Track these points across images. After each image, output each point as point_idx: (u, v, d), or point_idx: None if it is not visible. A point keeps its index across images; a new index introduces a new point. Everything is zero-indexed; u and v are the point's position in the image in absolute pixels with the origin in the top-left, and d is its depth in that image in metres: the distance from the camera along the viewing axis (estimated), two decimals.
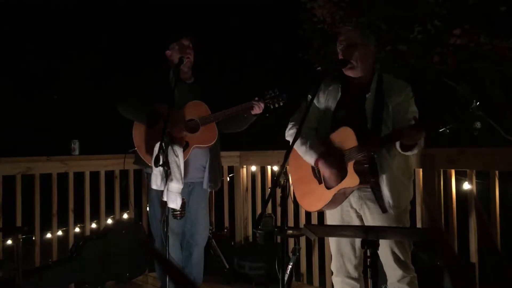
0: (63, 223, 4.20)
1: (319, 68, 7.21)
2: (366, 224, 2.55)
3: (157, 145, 2.95)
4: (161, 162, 2.90)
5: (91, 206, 4.27)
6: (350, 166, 2.41)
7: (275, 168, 4.17)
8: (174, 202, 3.04)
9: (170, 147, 3.01)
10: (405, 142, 2.28)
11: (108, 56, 12.37)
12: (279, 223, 4.01)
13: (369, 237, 1.97)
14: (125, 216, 4.58)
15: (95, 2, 12.07)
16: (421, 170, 3.20)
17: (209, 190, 3.48)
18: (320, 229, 2.49)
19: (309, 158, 2.58)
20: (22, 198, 3.92)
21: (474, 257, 2.93)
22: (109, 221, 4.44)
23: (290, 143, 2.32)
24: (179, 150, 3.11)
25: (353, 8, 6.59)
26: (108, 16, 11.93)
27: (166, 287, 3.19)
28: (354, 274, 2.64)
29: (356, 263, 2.64)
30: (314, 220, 3.84)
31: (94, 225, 4.43)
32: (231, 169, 4.66)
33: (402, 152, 2.38)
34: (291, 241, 3.90)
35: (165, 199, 3.03)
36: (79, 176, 4.23)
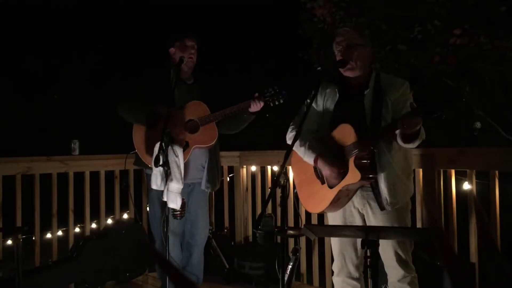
0: (63, 223, 4.20)
1: (319, 68, 7.22)
2: (368, 223, 2.55)
3: (157, 145, 2.96)
4: (161, 162, 2.90)
5: (91, 206, 4.27)
6: (351, 162, 2.41)
7: (275, 168, 4.17)
8: (174, 202, 3.04)
9: (170, 147, 3.01)
10: (405, 130, 2.26)
11: (108, 56, 12.37)
12: (279, 223, 4.01)
13: (369, 237, 1.97)
14: (125, 216, 4.58)
15: (95, 2, 12.07)
16: (421, 170, 3.20)
17: (207, 191, 3.48)
18: (320, 229, 2.49)
19: (309, 158, 2.59)
20: (22, 198, 3.92)
21: (474, 257, 2.93)
22: (109, 221, 4.45)
23: (290, 144, 2.32)
24: (179, 150, 3.11)
25: (353, 8, 6.59)
26: (108, 16, 11.94)
27: (166, 287, 3.19)
28: (355, 274, 2.65)
29: (358, 263, 2.64)
30: (314, 220, 3.84)
31: (94, 225, 4.43)
32: (231, 169, 4.66)
33: (404, 145, 2.37)
34: (291, 241, 3.90)
35: (165, 199, 3.03)
36: (79, 176, 4.23)
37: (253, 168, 4.49)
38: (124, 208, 4.56)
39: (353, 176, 2.39)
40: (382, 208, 2.47)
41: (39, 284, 3.66)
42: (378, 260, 2.30)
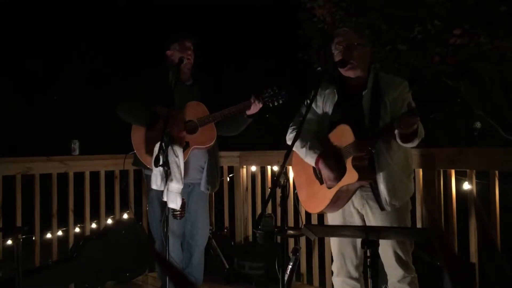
0: (63, 223, 4.19)
1: (319, 68, 7.22)
2: (367, 223, 2.55)
3: (157, 145, 2.95)
4: (161, 162, 2.90)
5: (91, 206, 4.27)
6: (349, 163, 2.41)
7: (275, 168, 4.17)
8: (174, 202, 3.04)
9: (170, 147, 3.01)
10: (403, 130, 2.25)
11: (108, 56, 12.38)
12: (279, 223, 4.01)
13: (369, 237, 1.97)
14: (125, 216, 4.58)
15: (95, 2, 12.08)
16: (421, 170, 3.20)
17: (206, 192, 3.47)
18: (320, 229, 2.49)
19: (310, 159, 2.59)
20: (22, 198, 3.92)
21: (474, 257, 2.93)
22: (109, 221, 4.44)
23: (290, 145, 2.33)
24: (179, 150, 3.11)
25: (353, 8, 6.60)
26: (108, 16, 11.94)
27: (166, 287, 3.19)
28: (355, 274, 2.65)
29: (357, 264, 2.64)
30: (314, 220, 3.84)
31: (94, 225, 4.43)
32: (231, 169, 4.66)
33: (404, 144, 2.37)
34: (291, 241, 3.90)
35: (165, 199, 3.03)
36: (79, 176, 4.23)
37: (253, 168, 4.49)
38: (124, 208, 4.55)
39: (350, 176, 2.40)
40: (382, 208, 2.47)
41: (39, 284, 3.66)
42: (378, 260, 2.30)
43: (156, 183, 3.05)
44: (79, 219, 4.30)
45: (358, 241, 2.54)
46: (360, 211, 2.58)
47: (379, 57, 6.44)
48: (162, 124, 3.01)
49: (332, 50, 2.63)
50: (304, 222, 3.84)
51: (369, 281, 2.03)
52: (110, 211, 4.41)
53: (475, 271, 2.90)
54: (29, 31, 11.92)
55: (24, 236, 3.98)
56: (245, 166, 4.56)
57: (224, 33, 11.95)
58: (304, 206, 2.77)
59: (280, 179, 2.34)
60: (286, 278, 2.92)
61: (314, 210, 2.73)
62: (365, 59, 2.59)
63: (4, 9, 10.87)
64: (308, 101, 2.60)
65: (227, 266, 4.12)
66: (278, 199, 3.69)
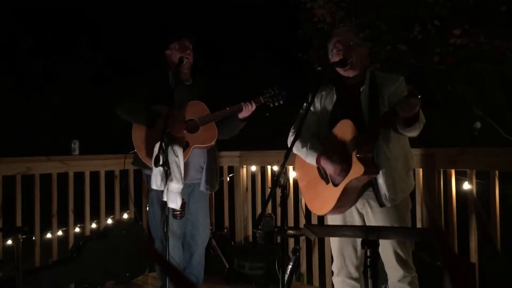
0: (63, 223, 4.20)
1: (319, 68, 7.22)
2: (367, 222, 2.55)
3: (157, 145, 2.95)
4: (161, 162, 2.90)
5: (91, 206, 4.27)
6: (354, 156, 2.40)
7: (275, 168, 4.17)
8: (174, 202, 3.04)
9: (170, 147, 3.01)
10: (405, 113, 2.23)
11: (108, 56, 12.37)
12: (279, 223, 4.01)
13: (369, 237, 1.97)
14: (125, 216, 4.58)
15: (95, 2, 12.08)
16: (421, 170, 3.20)
17: (206, 192, 3.47)
18: (320, 229, 2.48)
19: (311, 158, 2.58)
20: (22, 198, 3.92)
21: (474, 257, 2.93)
22: (109, 221, 4.44)
23: (290, 145, 2.33)
24: (179, 150, 3.11)
25: (353, 8, 6.60)
26: (108, 16, 11.94)
27: (166, 287, 3.19)
28: (355, 274, 2.65)
29: (358, 264, 2.64)
30: (314, 220, 3.84)
31: (94, 225, 4.43)
32: (231, 169, 4.66)
33: (406, 131, 2.36)
34: (291, 241, 3.90)
35: (165, 199, 3.03)
36: (79, 176, 4.23)
37: (253, 168, 4.49)
38: (124, 208, 4.55)
39: (356, 170, 2.38)
40: (381, 204, 2.46)
41: (39, 284, 3.66)
42: (378, 260, 2.30)
43: (156, 183, 3.05)
44: (79, 219, 4.30)
45: (358, 241, 2.53)
46: (361, 210, 2.58)
47: (379, 57, 6.45)
48: (162, 123, 3.01)
49: (330, 49, 2.63)
50: (304, 222, 3.84)
51: (369, 281, 2.03)
52: (110, 211, 4.41)
53: (475, 271, 2.90)
54: (29, 31, 11.91)
55: (24, 236, 3.98)
56: (245, 166, 4.57)
57: (224, 33, 11.94)
58: (310, 208, 2.74)
59: (280, 179, 2.34)
60: (286, 278, 2.92)
61: (320, 211, 2.68)
62: (363, 59, 2.61)
63: (4, 9, 10.87)
64: (307, 103, 2.60)
65: (227, 266, 4.12)
66: (278, 199, 3.70)
